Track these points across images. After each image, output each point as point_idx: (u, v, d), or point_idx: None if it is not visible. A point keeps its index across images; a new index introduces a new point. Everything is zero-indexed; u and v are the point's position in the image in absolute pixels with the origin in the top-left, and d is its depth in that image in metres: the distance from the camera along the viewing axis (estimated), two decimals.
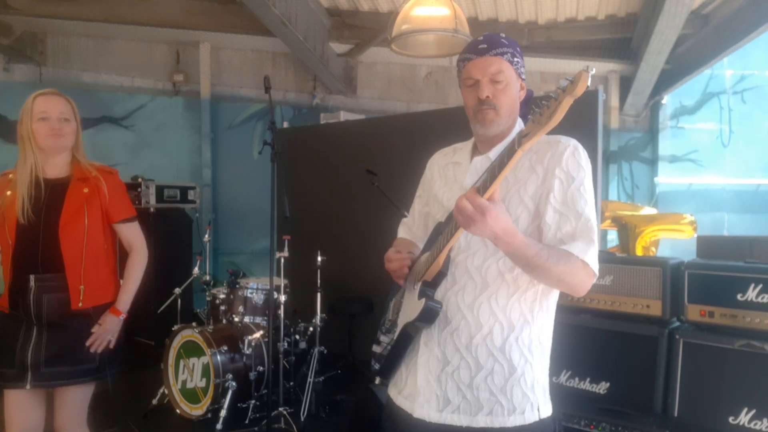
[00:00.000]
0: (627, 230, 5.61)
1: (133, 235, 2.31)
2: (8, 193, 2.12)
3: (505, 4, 6.27)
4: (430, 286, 1.44)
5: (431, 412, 1.44)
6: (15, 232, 2.08)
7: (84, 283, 2.11)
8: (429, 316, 1.43)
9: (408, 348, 1.51)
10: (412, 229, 1.79)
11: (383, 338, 1.59)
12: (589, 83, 1.06)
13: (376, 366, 1.57)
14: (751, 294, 2.41)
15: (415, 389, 1.48)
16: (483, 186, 1.21)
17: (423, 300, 1.42)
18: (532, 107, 1.14)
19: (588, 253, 1.33)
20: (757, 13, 5.46)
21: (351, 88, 7.43)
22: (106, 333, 2.16)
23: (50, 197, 2.11)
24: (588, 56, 6.99)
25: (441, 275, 1.44)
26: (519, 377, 1.42)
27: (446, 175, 1.62)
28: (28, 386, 2.07)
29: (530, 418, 1.42)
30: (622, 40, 6.76)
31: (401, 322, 1.53)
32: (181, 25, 6.30)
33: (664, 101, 7.85)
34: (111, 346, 2.19)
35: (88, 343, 2.13)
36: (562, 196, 1.38)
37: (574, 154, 1.40)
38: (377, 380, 1.57)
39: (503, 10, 6.44)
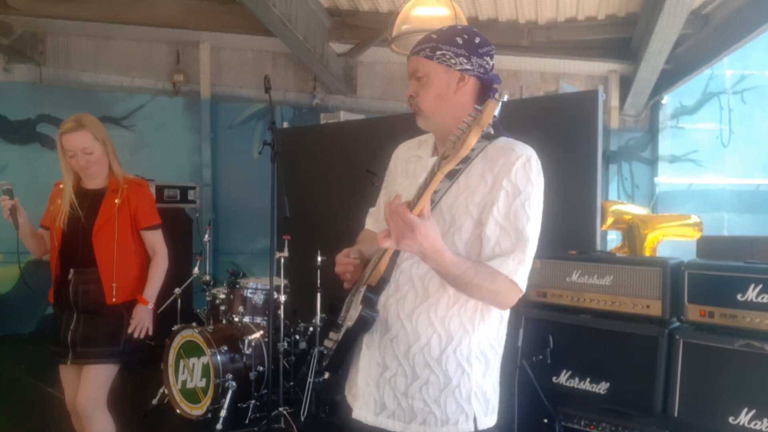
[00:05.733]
0: (633, 231, 5.60)
1: (155, 241, 2.62)
2: (59, 201, 2.52)
3: (505, 4, 6.27)
4: (373, 291, 1.46)
5: (368, 414, 1.47)
6: (61, 235, 2.47)
7: (116, 281, 2.46)
8: (364, 324, 1.44)
9: (351, 349, 1.53)
10: (378, 219, 1.79)
11: (332, 335, 1.61)
12: (497, 112, 1.04)
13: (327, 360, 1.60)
14: (751, 294, 2.41)
15: (357, 390, 1.51)
16: (413, 202, 1.22)
17: (360, 307, 1.44)
18: (459, 126, 1.12)
19: (518, 273, 1.34)
20: (757, 13, 5.46)
21: (351, 88, 7.43)
22: (142, 321, 2.50)
23: (89, 206, 2.49)
24: (588, 56, 6.99)
25: (384, 281, 1.45)
26: (454, 388, 1.41)
27: (408, 170, 1.62)
28: (69, 362, 2.46)
29: (464, 429, 1.42)
30: (622, 40, 6.76)
31: (346, 324, 1.55)
32: (181, 25, 6.29)
33: (664, 101, 7.85)
34: (150, 332, 2.54)
35: (130, 331, 2.47)
36: (506, 209, 1.36)
37: (524, 166, 1.36)
38: (326, 375, 1.61)
39: (503, 10, 6.44)
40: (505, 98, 1.05)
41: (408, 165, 1.63)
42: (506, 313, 1.51)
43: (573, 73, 7.53)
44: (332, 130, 5.46)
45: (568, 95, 3.66)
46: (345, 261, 1.54)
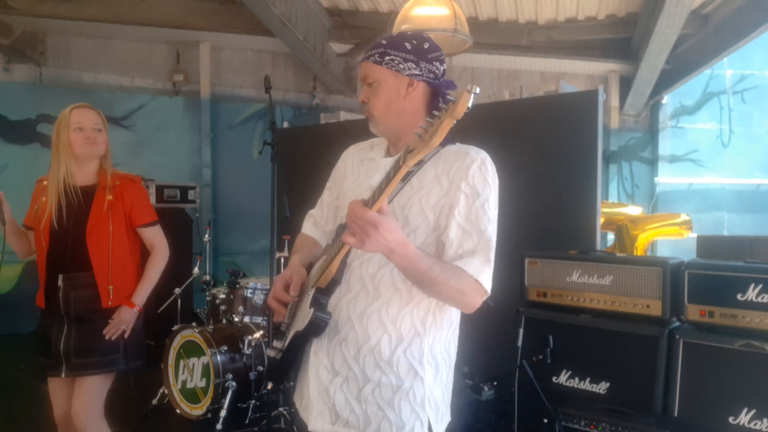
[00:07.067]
0: (622, 232, 5.59)
1: (155, 237, 2.50)
2: (43, 199, 2.34)
3: (505, 4, 6.28)
4: (323, 294, 1.41)
5: (325, 424, 1.42)
6: (48, 235, 2.31)
7: (112, 283, 2.33)
8: (316, 327, 1.40)
9: (299, 356, 1.49)
10: (319, 222, 1.75)
11: (276, 343, 1.57)
12: (470, 104, 1.02)
13: (270, 369, 1.55)
14: (751, 294, 2.41)
15: (309, 401, 1.46)
16: (371, 199, 1.19)
17: (312, 310, 1.39)
18: (428, 119, 1.09)
19: (483, 273, 1.33)
20: (757, 13, 5.46)
21: (351, 88, 7.43)
22: (120, 323, 2.34)
23: (79, 204, 2.32)
24: (588, 56, 6.99)
25: (335, 282, 1.41)
26: (407, 391, 1.39)
27: (359, 172, 1.60)
28: (63, 375, 2.31)
29: None
30: (622, 40, 6.76)
31: (293, 329, 1.51)
32: (181, 25, 6.30)
33: (664, 101, 7.85)
34: (126, 336, 2.36)
35: (104, 332, 2.32)
36: (467, 211, 1.36)
37: (480, 169, 1.37)
38: (269, 385, 1.57)
39: (503, 10, 6.45)
40: (477, 90, 1.02)
41: (360, 167, 1.62)
42: (457, 319, 1.49)
43: (573, 73, 7.54)
44: (332, 130, 5.46)
45: (568, 95, 3.66)
46: (283, 298, 1.50)
